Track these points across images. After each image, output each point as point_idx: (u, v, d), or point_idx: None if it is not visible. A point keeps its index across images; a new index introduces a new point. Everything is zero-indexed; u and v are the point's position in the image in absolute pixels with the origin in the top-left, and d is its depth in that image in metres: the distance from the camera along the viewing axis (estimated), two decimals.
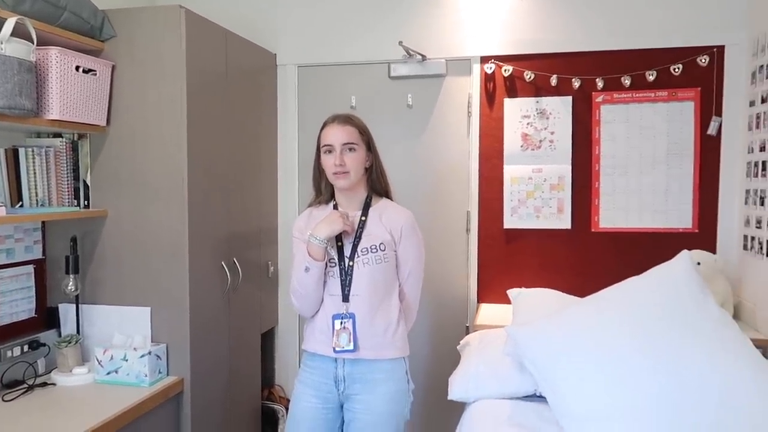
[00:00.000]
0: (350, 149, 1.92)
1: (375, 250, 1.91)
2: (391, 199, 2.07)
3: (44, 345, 2.26)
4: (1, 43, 1.79)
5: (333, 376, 1.94)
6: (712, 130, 2.72)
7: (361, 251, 1.91)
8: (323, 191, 2.04)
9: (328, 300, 1.94)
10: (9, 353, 2.13)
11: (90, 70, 2.16)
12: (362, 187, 2.01)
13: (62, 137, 2.27)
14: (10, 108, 1.83)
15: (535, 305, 2.33)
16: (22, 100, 1.87)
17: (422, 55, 2.96)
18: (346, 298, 1.92)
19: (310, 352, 2.00)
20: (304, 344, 2.03)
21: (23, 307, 2.27)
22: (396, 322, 1.95)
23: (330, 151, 1.93)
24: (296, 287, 1.94)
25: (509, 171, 2.93)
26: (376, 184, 2.03)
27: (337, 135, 1.92)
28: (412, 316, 2.06)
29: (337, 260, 1.93)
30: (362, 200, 2.01)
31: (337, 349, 1.89)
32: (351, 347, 1.88)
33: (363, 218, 1.97)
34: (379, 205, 2.02)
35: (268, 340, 3.16)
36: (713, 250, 2.73)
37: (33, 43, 1.91)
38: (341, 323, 1.89)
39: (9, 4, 1.88)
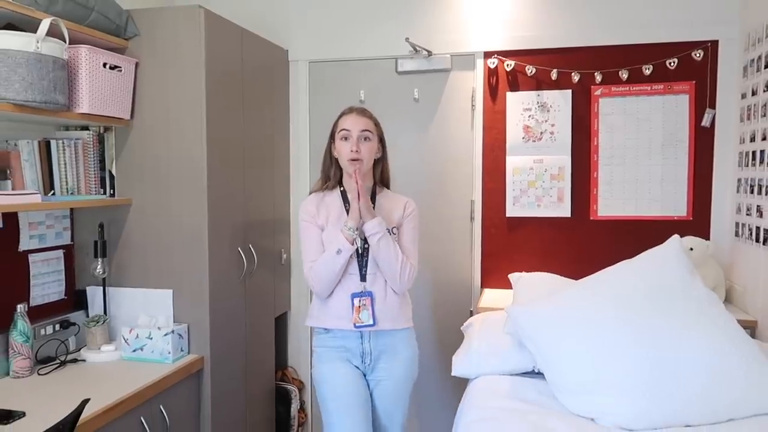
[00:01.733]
0: (366, 138, 2.09)
1: (395, 233, 2.14)
2: (389, 189, 2.28)
3: (74, 324, 2.42)
4: (38, 42, 1.94)
5: (360, 351, 2.13)
6: (706, 122, 2.84)
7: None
8: (332, 177, 2.19)
9: (347, 279, 2.10)
10: (42, 332, 2.28)
11: (116, 67, 2.30)
12: (369, 177, 2.18)
13: (89, 130, 2.41)
14: (46, 102, 1.97)
15: (534, 287, 2.46)
16: (56, 95, 2.02)
17: (428, 51, 3.08)
18: (363, 278, 2.10)
19: (327, 329, 2.15)
20: (317, 322, 2.17)
21: (54, 290, 2.43)
22: (405, 295, 2.19)
23: (346, 138, 2.09)
24: (319, 269, 2.07)
25: (511, 162, 3.06)
26: (383, 176, 2.23)
27: (355, 122, 2.09)
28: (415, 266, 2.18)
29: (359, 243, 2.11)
30: (369, 188, 2.18)
31: (357, 324, 2.08)
32: (371, 322, 2.08)
33: (371, 204, 2.12)
34: (383, 194, 2.22)
35: (280, 324, 3.31)
36: (707, 237, 2.85)
37: (65, 42, 2.05)
38: (360, 301, 2.07)
39: (42, 6, 2.03)
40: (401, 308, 2.15)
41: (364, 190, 2.03)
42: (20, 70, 1.90)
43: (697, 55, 2.83)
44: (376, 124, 2.15)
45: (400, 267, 2.08)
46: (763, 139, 2.46)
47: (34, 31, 1.94)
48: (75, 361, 2.31)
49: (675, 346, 1.83)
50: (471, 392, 2.16)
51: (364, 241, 2.08)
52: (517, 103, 3.03)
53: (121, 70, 2.33)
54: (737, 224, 2.76)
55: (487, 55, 3.05)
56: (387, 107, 3.17)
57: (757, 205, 2.51)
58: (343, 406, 2.07)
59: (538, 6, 3.00)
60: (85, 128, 2.42)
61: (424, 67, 3.13)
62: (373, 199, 2.17)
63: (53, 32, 2.00)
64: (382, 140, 2.18)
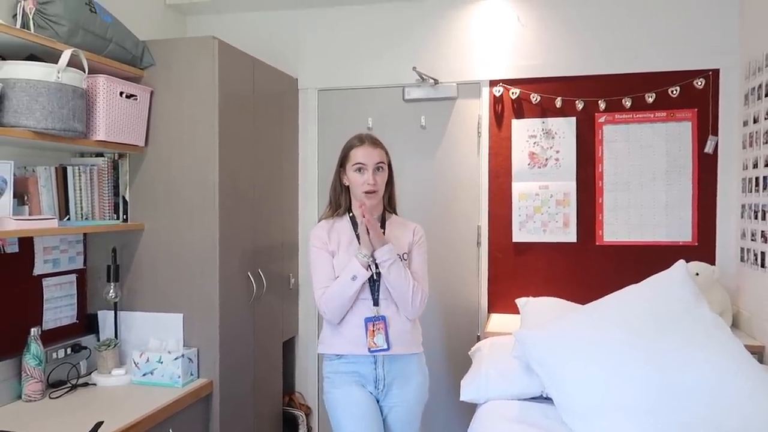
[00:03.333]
0: (380, 169, 2.14)
1: (405, 259, 2.16)
2: (397, 215, 2.30)
3: (85, 348, 2.44)
4: (59, 73, 2.00)
5: (373, 376, 2.13)
6: (709, 149, 2.88)
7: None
8: (342, 204, 2.22)
9: (360, 305, 2.12)
10: (54, 355, 2.31)
11: (131, 96, 2.37)
12: (379, 203, 2.21)
13: (104, 156, 2.47)
14: (65, 130, 2.03)
15: (541, 312, 2.48)
16: (75, 123, 2.08)
17: (434, 80, 3.15)
18: (376, 302, 2.12)
19: (339, 355, 2.15)
20: (329, 348, 2.17)
21: (66, 313, 2.46)
22: (416, 321, 2.21)
23: (361, 170, 2.11)
24: (333, 295, 2.09)
25: (517, 187, 3.10)
26: (390, 201, 2.26)
27: (370, 155, 2.12)
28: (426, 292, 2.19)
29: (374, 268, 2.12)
30: (379, 215, 2.21)
31: (372, 348, 2.08)
32: (386, 346, 2.08)
33: (382, 230, 2.14)
34: (392, 220, 2.25)
35: (288, 348, 3.32)
36: (712, 262, 2.87)
37: (85, 72, 2.12)
38: (374, 325, 2.09)
39: (63, 37, 2.10)
40: (413, 333, 2.17)
41: (373, 221, 2.03)
42: (41, 99, 1.96)
43: (699, 83, 2.89)
44: (387, 153, 2.19)
45: (412, 293, 2.09)
46: (766, 165, 2.50)
47: (55, 61, 2.01)
48: (86, 384, 2.33)
49: (682, 370, 1.84)
50: (479, 417, 2.17)
51: (377, 266, 2.10)
52: (523, 130, 3.09)
53: (136, 99, 2.39)
54: (742, 249, 2.78)
55: (493, 83, 3.12)
56: (394, 134, 3.22)
57: (762, 231, 2.53)
58: (361, 429, 2.07)
59: (543, 35, 3.07)
60: (100, 155, 2.47)
61: (431, 95, 3.19)
62: (382, 225, 2.19)
63: (73, 62, 2.07)
64: (390, 166, 2.22)
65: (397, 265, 2.07)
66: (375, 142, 2.16)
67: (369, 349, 2.08)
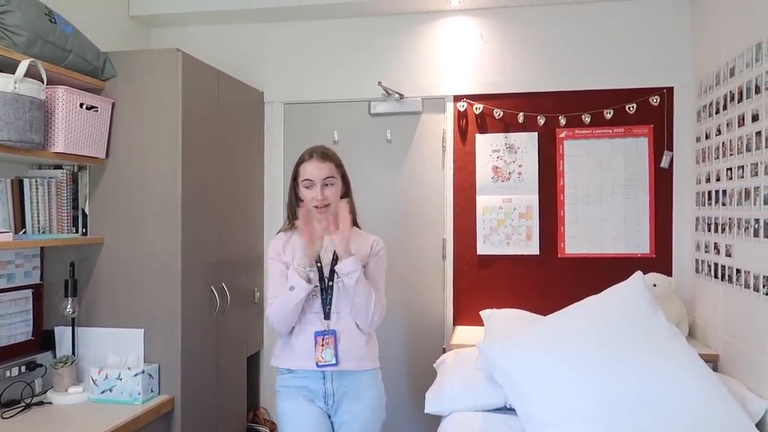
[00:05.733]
0: (329, 184, 2.06)
1: (362, 271, 2.03)
2: (359, 227, 2.21)
3: (41, 366, 2.36)
4: (16, 83, 1.96)
5: (322, 392, 2.06)
6: (664, 163, 2.98)
7: (340, 272, 2.01)
8: (298, 217, 2.10)
9: (310, 318, 2.06)
10: (7, 373, 2.23)
11: (92, 107, 2.33)
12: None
13: (63, 169, 2.42)
14: (21, 142, 1.99)
15: (505, 324, 2.52)
16: (32, 135, 2.03)
17: (400, 94, 3.19)
18: (327, 316, 2.06)
19: (290, 369, 2.09)
20: (280, 362, 2.11)
21: (21, 330, 2.38)
22: (372, 335, 2.15)
23: (309, 186, 2.05)
24: (277, 305, 2.03)
25: (481, 201, 3.14)
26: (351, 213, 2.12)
27: (317, 171, 2.04)
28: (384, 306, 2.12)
29: (317, 281, 2.06)
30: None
31: (319, 363, 2.01)
32: (333, 361, 2.01)
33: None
34: (352, 232, 2.07)
35: (253, 363, 3.28)
36: (669, 273, 2.95)
37: (43, 83, 2.08)
38: (323, 339, 2.02)
39: (21, 47, 2.06)
40: (367, 348, 2.10)
41: (346, 225, 1.96)
42: None
43: (654, 100, 2.99)
44: (338, 165, 2.11)
45: (374, 307, 2.02)
46: (718, 180, 2.60)
47: (13, 71, 1.97)
48: (41, 403, 2.25)
49: (639, 380, 1.89)
50: (444, 429, 2.18)
51: (329, 278, 2.05)
52: (486, 145, 3.14)
53: (97, 110, 2.36)
54: (697, 261, 2.87)
55: (457, 98, 3.17)
56: (360, 148, 3.25)
57: (715, 243, 2.62)
58: None
59: (505, 52, 3.15)
60: (59, 167, 2.42)
61: (396, 109, 3.23)
62: None
63: (31, 73, 2.03)
64: (345, 177, 2.15)
65: (364, 279, 2.00)
66: (324, 156, 2.08)
67: (317, 363, 2.02)
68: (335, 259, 2.05)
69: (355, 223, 2.19)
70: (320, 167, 2.05)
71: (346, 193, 2.16)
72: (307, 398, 2.08)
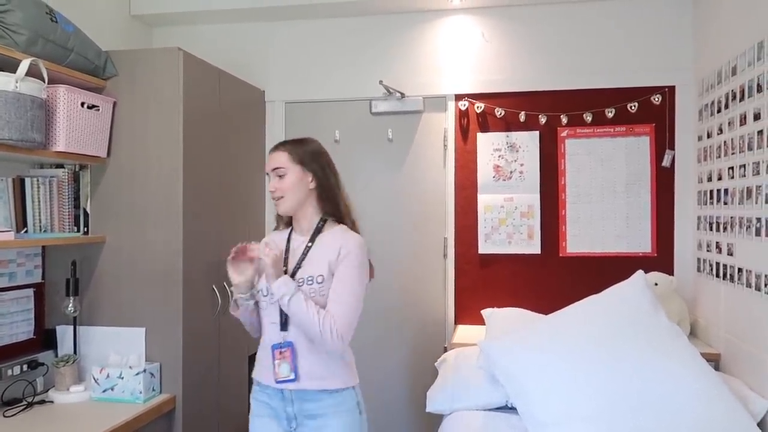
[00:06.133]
0: (279, 175, 1.86)
1: (311, 282, 1.80)
2: (352, 225, 1.92)
3: (43, 364, 2.37)
4: (17, 82, 1.96)
5: (284, 413, 1.82)
6: (666, 162, 2.98)
7: (299, 280, 1.81)
8: (283, 217, 2.00)
9: (269, 328, 1.86)
10: (9, 372, 2.23)
11: (93, 106, 2.33)
12: (312, 211, 1.90)
13: (64, 168, 2.42)
14: (22, 141, 1.99)
15: (506, 323, 2.52)
16: (33, 134, 2.03)
17: (401, 93, 3.19)
18: (284, 327, 1.82)
19: (259, 383, 1.90)
20: (255, 372, 1.93)
21: (23, 329, 2.38)
22: (345, 351, 1.84)
23: (269, 177, 1.93)
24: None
25: (483, 200, 3.14)
26: (327, 207, 1.90)
27: (272, 161, 1.89)
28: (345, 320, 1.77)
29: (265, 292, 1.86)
30: (314, 225, 1.90)
31: (278, 379, 1.79)
32: (292, 377, 1.78)
33: (309, 244, 1.86)
34: (332, 230, 1.88)
35: (254, 362, 3.27)
36: (670, 272, 2.95)
37: (44, 82, 2.08)
38: (280, 353, 1.80)
39: (22, 46, 2.06)
40: (331, 365, 1.80)
41: (271, 255, 1.78)
42: None
43: (656, 99, 2.98)
44: (293, 154, 1.87)
45: (320, 325, 1.71)
46: (719, 179, 2.59)
47: (14, 70, 1.97)
48: (42, 402, 2.25)
49: (640, 379, 1.89)
50: (446, 428, 2.18)
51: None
52: (488, 144, 3.14)
53: (98, 109, 2.36)
54: (699, 260, 2.87)
55: (458, 97, 3.17)
56: (361, 147, 3.25)
57: (716, 242, 2.62)
58: None
59: (507, 51, 3.14)
60: (60, 166, 2.42)
61: (398, 108, 3.22)
62: (315, 236, 1.88)
63: (32, 72, 2.03)
64: (311, 167, 1.88)
65: (296, 298, 1.74)
66: (277, 146, 1.91)
67: (275, 380, 1.79)
68: (299, 264, 1.85)
69: (341, 221, 1.92)
70: (272, 157, 1.90)
71: (322, 184, 1.89)
72: (271, 416, 1.86)
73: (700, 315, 2.84)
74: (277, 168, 1.87)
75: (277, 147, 1.92)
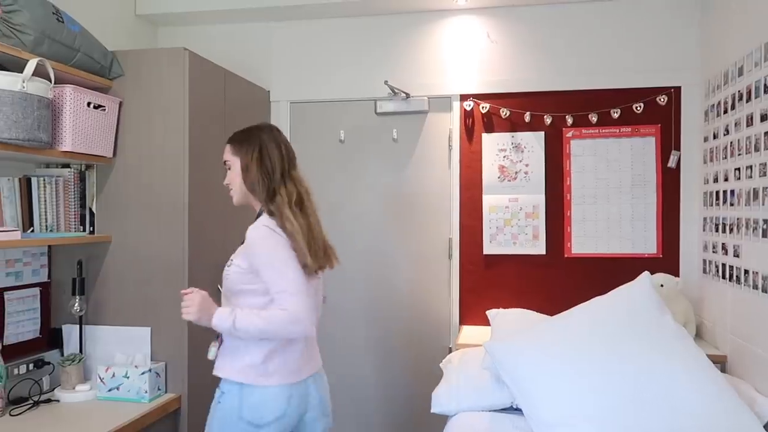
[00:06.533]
0: (227, 168, 1.95)
1: (229, 265, 1.89)
2: (274, 215, 1.86)
3: (48, 363, 2.38)
4: (24, 82, 1.97)
5: None
6: (671, 163, 2.97)
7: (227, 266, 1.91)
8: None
9: None
10: (15, 371, 2.24)
11: (99, 106, 2.34)
12: (255, 202, 1.96)
13: (70, 167, 2.43)
14: (29, 141, 1.99)
15: (511, 323, 2.51)
16: (40, 134, 2.04)
17: (406, 93, 3.18)
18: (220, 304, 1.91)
19: None
20: None
21: (29, 328, 2.39)
22: (243, 342, 1.83)
23: None
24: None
25: (488, 200, 3.14)
26: (259, 197, 1.91)
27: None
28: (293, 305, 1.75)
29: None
30: (256, 213, 1.95)
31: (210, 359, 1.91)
32: (213, 358, 1.90)
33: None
34: (260, 220, 1.88)
35: None
36: (676, 274, 2.94)
37: (51, 82, 2.09)
38: (216, 335, 1.91)
39: (29, 46, 2.07)
40: (232, 354, 1.85)
41: (190, 301, 1.81)
42: (5, 109, 1.92)
43: (662, 100, 2.97)
44: (237, 145, 1.92)
45: (273, 325, 1.72)
46: (725, 180, 2.59)
47: (21, 70, 1.98)
48: (48, 401, 2.26)
49: (646, 380, 1.88)
50: (450, 429, 2.17)
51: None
52: (493, 144, 3.13)
53: (104, 109, 2.36)
54: (704, 261, 2.86)
55: (463, 97, 3.17)
56: (366, 147, 3.25)
57: (722, 243, 2.61)
58: None
59: (512, 52, 3.14)
60: (67, 166, 2.43)
61: (403, 108, 3.22)
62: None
63: (39, 72, 2.04)
64: (242, 157, 1.90)
65: (240, 324, 1.74)
66: (229, 139, 1.97)
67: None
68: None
69: (269, 210, 1.88)
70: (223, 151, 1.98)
71: (244, 174, 1.90)
72: None
73: (706, 317, 2.83)
74: (225, 161, 1.97)
75: (227, 140, 1.99)
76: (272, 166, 1.89)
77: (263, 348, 1.82)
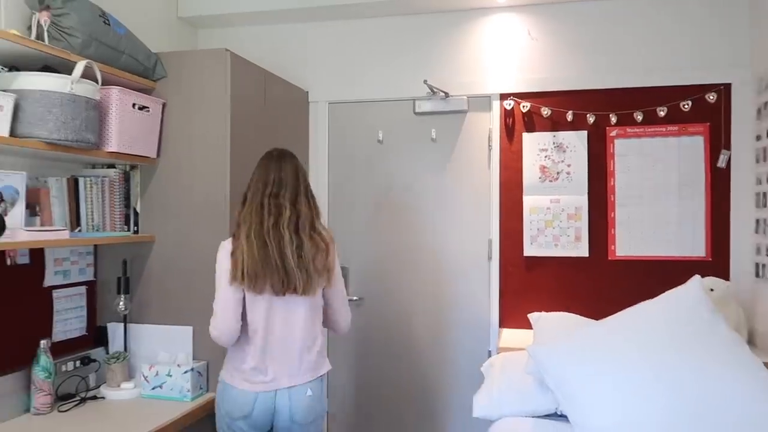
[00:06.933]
0: None
1: None
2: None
3: (95, 361, 2.42)
4: (72, 84, 2.00)
5: None
6: (721, 163, 2.86)
7: None
8: None
9: None
10: (63, 368, 2.29)
11: (144, 107, 2.37)
12: None
13: (116, 168, 2.47)
14: (77, 141, 2.03)
15: (555, 327, 2.45)
16: (87, 135, 2.07)
17: (445, 93, 3.15)
18: None
19: None
20: None
21: (76, 326, 2.44)
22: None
23: None
24: None
25: (528, 201, 3.08)
26: None
27: None
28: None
29: None
30: None
31: None
32: None
33: None
34: None
35: None
36: (726, 278, 2.84)
37: (98, 84, 2.12)
38: None
39: (77, 49, 2.11)
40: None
41: None
42: (54, 110, 1.96)
43: (711, 97, 2.87)
44: None
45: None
46: None
47: (69, 72, 2.01)
48: (95, 398, 2.31)
49: (699, 389, 1.81)
50: None
51: None
52: (534, 144, 3.08)
53: (149, 111, 2.39)
54: (757, 265, 2.75)
55: (503, 96, 3.12)
56: (405, 147, 3.23)
57: None
58: None
59: (553, 49, 3.07)
60: (112, 166, 2.47)
61: (441, 108, 3.19)
62: None
63: (86, 74, 2.07)
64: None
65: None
66: None
67: None
68: None
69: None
70: None
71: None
72: None
73: (759, 322, 2.72)
74: None
75: None
76: (249, 190, 2.16)
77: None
